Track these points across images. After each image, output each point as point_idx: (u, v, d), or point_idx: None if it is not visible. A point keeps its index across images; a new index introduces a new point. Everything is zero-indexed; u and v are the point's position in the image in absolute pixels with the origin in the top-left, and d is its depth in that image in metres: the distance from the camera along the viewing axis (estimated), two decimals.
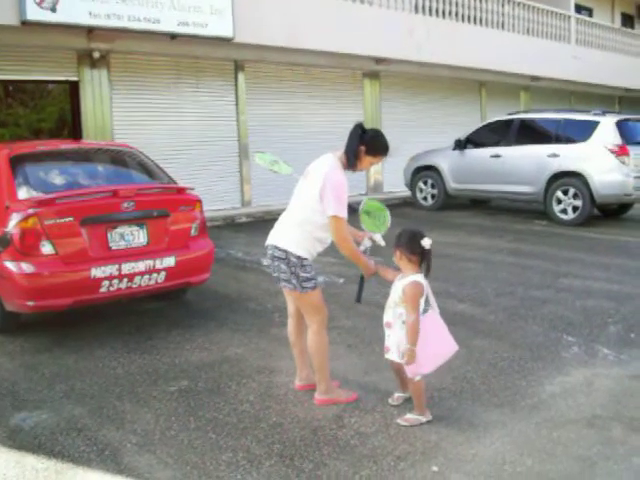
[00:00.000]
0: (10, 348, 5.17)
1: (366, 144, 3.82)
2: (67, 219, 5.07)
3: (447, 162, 12.40)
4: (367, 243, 4.05)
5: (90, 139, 11.15)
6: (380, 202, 4.29)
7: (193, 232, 5.75)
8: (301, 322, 4.14)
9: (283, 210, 12.62)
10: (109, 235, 5.24)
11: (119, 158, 6.34)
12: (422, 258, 3.70)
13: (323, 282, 3.90)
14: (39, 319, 5.74)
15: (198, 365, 4.71)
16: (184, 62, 12.25)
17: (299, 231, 3.82)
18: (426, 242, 3.67)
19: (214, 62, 12.65)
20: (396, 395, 3.97)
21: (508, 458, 3.31)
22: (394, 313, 3.72)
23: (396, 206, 13.77)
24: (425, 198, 12.99)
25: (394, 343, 3.74)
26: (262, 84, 13.42)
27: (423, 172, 12.91)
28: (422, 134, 15.56)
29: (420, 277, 3.69)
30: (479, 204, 13.33)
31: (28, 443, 3.58)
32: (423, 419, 3.69)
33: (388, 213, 4.23)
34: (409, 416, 3.72)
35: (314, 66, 13.83)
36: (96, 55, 11.01)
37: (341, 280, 7.26)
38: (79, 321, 5.72)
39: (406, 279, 3.68)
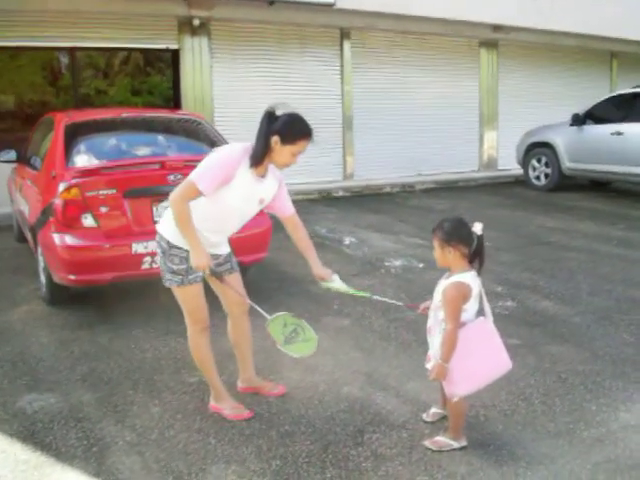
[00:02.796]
0: (53, 321, 5.04)
1: (278, 132, 3.11)
2: (110, 191, 4.83)
3: (563, 139, 11.27)
4: (336, 279, 3.42)
5: (189, 107, 11.08)
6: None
7: None
8: (236, 318, 3.64)
9: (385, 185, 12.09)
10: (154, 209, 4.95)
11: (179, 127, 6.04)
12: (473, 250, 3.04)
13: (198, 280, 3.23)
14: (91, 292, 5.59)
15: (231, 355, 4.31)
16: (286, 29, 11.88)
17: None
18: (477, 227, 3.03)
19: (318, 29, 12.19)
20: (432, 411, 3.39)
21: None
22: (435, 317, 3.12)
23: (506, 185, 12.85)
24: (538, 177, 11.92)
25: (432, 351, 3.15)
26: (369, 53, 12.82)
27: (537, 149, 11.83)
28: (542, 108, 14.30)
29: (468, 277, 3.03)
30: (599, 186, 12.07)
31: (23, 429, 3.36)
32: (456, 444, 3.09)
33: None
34: (440, 439, 3.13)
35: (426, 34, 13.03)
36: (196, 22, 10.86)
37: (421, 265, 6.67)
38: (129, 297, 5.52)
39: (450, 278, 3.06)
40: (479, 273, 3.12)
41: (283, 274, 6.31)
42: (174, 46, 11.08)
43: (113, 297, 5.51)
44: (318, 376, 3.98)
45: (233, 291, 3.48)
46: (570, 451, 3.09)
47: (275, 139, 3.11)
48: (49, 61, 10.82)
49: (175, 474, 2.93)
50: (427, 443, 3.13)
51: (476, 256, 3.06)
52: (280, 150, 3.14)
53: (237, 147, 3.24)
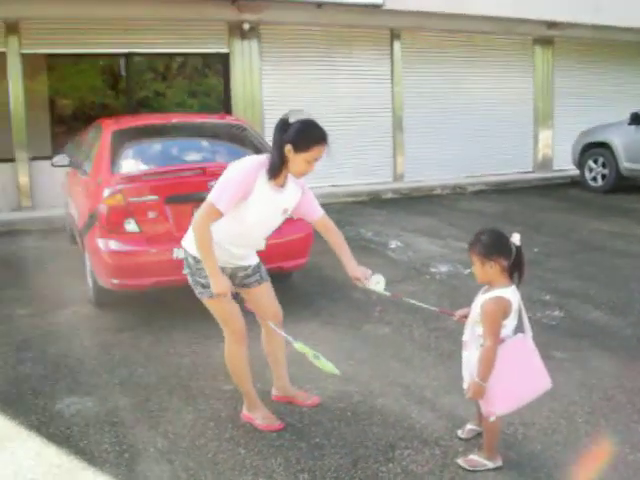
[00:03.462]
0: (98, 324, 5.14)
1: (291, 140, 3.04)
2: (152, 197, 4.90)
3: (621, 138, 10.90)
4: (380, 279, 3.36)
5: (239, 110, 11.18)
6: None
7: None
8: (269, 328, 3.57)
9: (435, 186, 11.94)
10: (195, 215, 4.98)
11: (223, 133, 6.08)
12: (512, 262, 2.94)
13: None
14: (135, 296, 5.66)
15: (264, 364, 4.31)
16: (335, 31, 11.86)
17: None
18: (515, 238, 2.92)
19: (367, 30, 12.14)
20: (468, 427, 3.30)
21: None
22: (472, 332, 3.02)
23: (562, 186, 12.52)
24: (594, 178, 11.57)
25: (468, 368, 3.05)
26: (420, 53, 12.70)
27: (594, 149, 11.48)
28: (599, 107, 13.84)
29: (508, 291, 2.92)
30: None
31: (59, 433, 3.42)
32: (490, 464, 2.99)
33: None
34: (473, 457, 3.04)
35: (477, 33, 12.83)
36: (246, 26, 10.97)
37: (467, 271, 6.53)
38: (171, 301, 5.57)
39: (489, 293, 2.96)
40: (518, 286, 3.01)
41: (326, 279, 6.28)
42: (224, 50, 11.21)
43: (156, 301, 5.57)
44: (353, 386, 3.94)
45: (265, 303, 3.46)
46: (613, 476, 2.95)
47: (289, 148, 3.06)
48: (108, 65, 11.05)
49: None
50: (460, 461, 3.05)
51: (515, 268, 2.96)
52: (294, 158, 3.09)
53: (252, 161, 3.21)
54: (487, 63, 13.21)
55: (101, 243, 4.92)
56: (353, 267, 3.37)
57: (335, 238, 3.47)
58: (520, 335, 2.98)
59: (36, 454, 3.23)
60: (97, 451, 3.24)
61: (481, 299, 2.94)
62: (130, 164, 5.23)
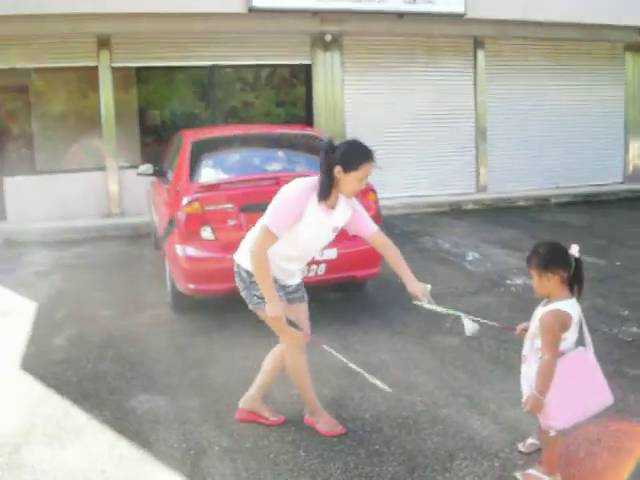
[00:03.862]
0: (175, 327, 5.35)
1: (340, 161, 3.12)
2: (227, 205, 5.07)
3: None
4: (424, 299, 3.34)
5: (321, 120, 11.35)
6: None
7: None
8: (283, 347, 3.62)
9: (518, 198, 11.75)
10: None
11: (298, 144, 6.21)
12: (572, 275, 2.90)
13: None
14: (211, 301, 5.86)
15: (334, 368, 4.37)
16: (417, 40, 11.88)
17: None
18: (574, 249, 2.88)
19: (450, 39, 12.09)
20: (529, 441, 3.25)
21: None
22: (531, 345, 2.99)
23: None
24: None
25: (527, 381, 3.02)
26: (504, 61, 12.54)
27: None
28: None
29: (568, 304, 2.88)
30: None
31: (131, 428, 3.61)
32: None
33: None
34: (532, 472, 3.00)
35: (563, 40, 12.52)
36: (328, 38, 11.14)
37: None
38: (245, 307, 5.73)
39: (548, 306, 2.92)
40: (578, 298, 2.96)
41: (400, 288, 6.21)
42: (307, 61, 11.42)
43: (231, 306, 5.73)
44: (417, 395, 3.95)
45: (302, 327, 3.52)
46: None
47: (338, 169, 3.15)
48: (198, 77, 11.46)
49: None
50: (518, 475, 3.02)
51: (575, 280, 2.91)
52: (345, 179, 3.17)
53: (303, 185, 3.30)
54: (575, 71, 12.87)
55: (179, 249, 5.12)
56: (412, 283, 3.40)
57: (392, 253, 3.50)
58: (581, 349, 2.93)
59: (108, 447, 3.42)
60: (165, 447, 3.40)
61: (540, 312, 2.91)
62: (207, 173, 5.43)
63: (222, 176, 5.41)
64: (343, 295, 6.18)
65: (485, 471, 3.09)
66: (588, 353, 2.94)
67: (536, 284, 2.93)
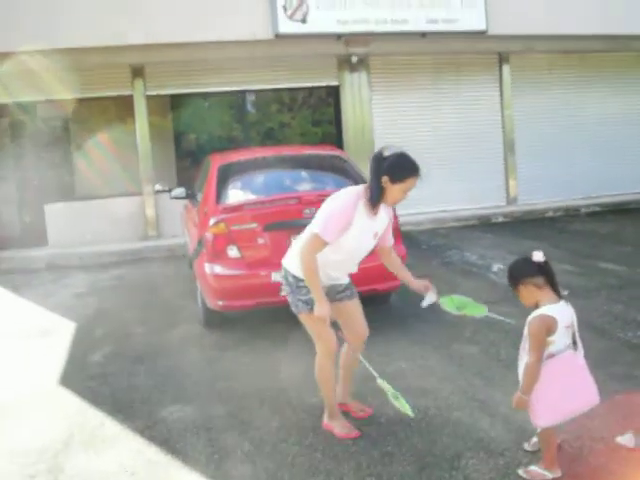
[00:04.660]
0: (205, 341, 5.62)
1: (387, 173, 3.33)
2: (252, 225, 5.33)
3: None
4: (432, 297, 3.58)
5: (349, 139, 11.60)
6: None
7: None
8: (353, 347, 3.84)
9: (548, 209, 11.80)
10: (292, 241, 5.35)
11: (320, 164, 6.45)
12: (547, 278, 3.07)
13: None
14: (240, 317, 6.12)
15: (355, 377, 4.56)
16: (443, 58, 12.07)
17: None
18: (538, 255, 3.06)
19: (475, 56, 12.25)
20: (533, 440, 3.40)
21: None
22: (523, 347, 3.18)
23: None
24: None
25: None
26: (529, 76, 12.64)
27: None
28: None
29: (554, 309, 3.05)
30: None
31: (160, 435, 3.86)
32: (549, 475, 3.09)
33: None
34: (533, 468, 3.15)
35: (588, 51, 12.53)
36: (354, 59, 11.40)
37: (565, 292, 6.48)
38: (272, 322, 5.97)
39: (535, 311, 3.10)
40: (560, 296, 3.12)
41: (422, 300, 6.44)
42: (334, 83, 11.71)
43: (259, 322, 5.99)
44: (432, 400, 4.12)
45: (354, 317, 3.81)
46: None
47: (385, 179, 3.36)
48: (233, 101, 11.83)
49: None
50: (521, 472, 3.17)
51: (552, 281, 3.08)
52: (391, 189, 3.39)
53: (351, 193, 3.53)
54: (601, 81, 12.88)
55: (207, 267, 5.40)
56: (412, 281, 3.69)
57: (393, 260, 3.83)
58: (570, 351, 3.07)
59: (138, 452, 3.67)
60: (191, 452, 3.64)
61: (529, 317, 3.08)
62: (233, 195, 5.71)
63: (247, 197, 5.67)
64: (368, 308, 6.35)
65: (490, 469, 3.25)
66: (577, 355, 3.09)
67: (521, 299, 3.13)
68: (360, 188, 3.53)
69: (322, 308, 3.44)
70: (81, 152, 11.12)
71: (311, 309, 3.54)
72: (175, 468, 3.48)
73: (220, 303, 5.39)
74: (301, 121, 12.26)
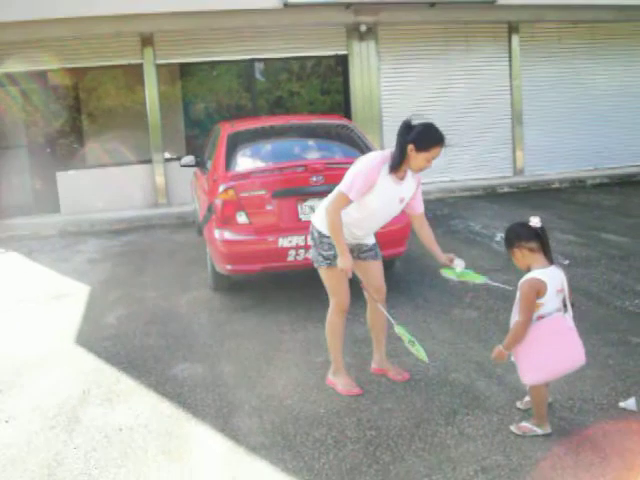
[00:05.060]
0: (214, 305, 5.81)
1: (413, 141, 3.48)
2: (260, 192, 5.48)
3: None
4: (460, 263, 3.73)
5: (357, 109, 11.66)
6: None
7: None
8: (373, 304, 4.01)
9: (554, 180, 11.89)
10: (299, 207, 5.51)
11: (328, 133, 6.57)
12: (541, 243, 3.23)
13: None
14: (248, 281, 6.31)
15: (358, 339, 4.76)
16: (452, 28, 12.06)
17: (324, 212, 3.75)
18: (533, 221, 3.21)
19: (485, 26, 12.24)
20: (526, 399, 3.57)
21: None
22: (515, 309, 3.34)
23: None
24: None
25: None
26: (538, 46, 12.61)
27: None
28: None
29: (544, 273, 3.20)
30: None
31: (172, 391, 4.06)
32: (539, 431, 3.27)
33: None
34: (524, 424, 3.33)
35: (598, 22, 12.48)
36: (363, 28, 11.41)
37: (566, 262, 6.64)
38: (280, 286, 6.16)
39: (526, 275, 3.26)
40: (551, 261, 3.26)
41: (426, 267, 6.60)
42: (343, 52, 11.74)
43: (267, 286, 6.18)
44: (431, 362, 4.26)
45: (373, 275, 3.99)
46: None
47: (411, 147, 3.52)
48: (243, 69, 11.87)
49: (283, 435, 3.45)
50: (513, 427, 3.35)
51: (545, 247, 3.22)
52: (415, 157, 3.54)
53: (376, 156, 3.70)
54: (611, 52, 12.84)
55: (217, 233, 5.56)
56: (441, 255, 3.82)
57: (428, 233, 3.94)
58: (559, 313, 3.23)
59: (152, 406, 3.88)
60: (201, 406, 3.84)
61: (520, 281, 3.24)
62: (242, 162, 5.85)
63: (255, 165, 5.81)
64: None
65: (484, 425, 3.43)
66: (566, 318, 3.24)
67: (515, 262, 3.30)
68: (386, 152, 3.69)
69: (345, 261, 3.62)
70: (92, 121, 11.25)
71: (330, 264, 3.76)
72: (186, 421, 3.68)
73: (229, 267, 5.56)
74: (310, 90, 12.29)
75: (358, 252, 3.94)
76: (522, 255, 3.24)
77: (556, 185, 11.84)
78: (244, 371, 4.33)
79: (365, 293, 4.04)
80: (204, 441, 3.46)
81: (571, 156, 12.72)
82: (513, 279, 6.09)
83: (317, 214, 3.90)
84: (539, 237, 3.22)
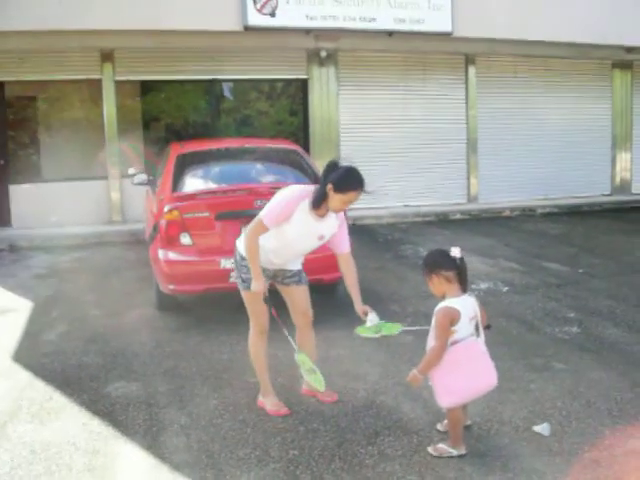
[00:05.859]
0: (157, 324, 5.86)
1: (333, 181, 3.61)
2: (204, 214, 5.57)
3: None
4: (373, 318, 3.89)
5: (316, 132, 11.85)
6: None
7: None
8: (301, 328, 4.22)
9: (505, 208, 12.15)
10: (242, 230, 5.59)
11: (274, 157, 6.70)
12: (458, 273, 3.39)
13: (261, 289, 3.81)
14: (192, 301, 6.37)
15: (293, 362, 4.80)
16: (411, 57, 12.38)
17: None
18: (455, 251, 3.37)
19: (442, 56, 12.58)
20: (445, 421, 3.71)
21: None
22: (430, 336, 3.49)
23: (637, 209, 12.38)
24: None
25: None
26: (494, 77, 13.04)
27: None
28: None
29: (457, 301, 3.36)
30: None
31: (104, 409, 4.10)
32: (454, 452, 3.41)
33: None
34: (441, 446, 3.47)
35: (552, 57, 12.97)
36: (323, 54, 11.65)
37: (506, 289, 6.85)
38: (224, 307, 6.22)
39: (440, 303, 3.41)
40: (465, 291, 3.41)
41: (368, 292, 6.64)
42: (303, 76, 11.94)
43: (211, 307, 6.25)
44: (362, 384, 4.42)
45: (298, 300, 4.15)
46: (563, 469, 3.27)
47: (330, 187, 3.65)
48: (201, 90, 12.00)
49: (208, 453, 3.52)
50: (430, 449, 3.48)
51: (461, 278, 3.38)
52: (333, 197, 3.67)
53: (296, 190, 3.85)
54: (563, 87, 13.31)
55: (161, 253, 5.63)
56: (357, 302, 3.98)
57: (351, 276, 4.05)
58: (472, 338, 3.39)
59: (82, 424, 3.91)
60: (131, 424, 3.89)
61: (436, 308, 3.39)
62: (189, 184, 5.94)
63: (201, 187, 5.91)
64: (313, 298, 6.62)
65: (403, 445, 3.55)
66: (479, 342, 3.41)
67: (431, 287, 3.44)
68: (310, 188, 3.83)
69: (257, 283, 3.77)
70: (49, 134, 11.23)
71: (247, 287, 3.88)
72: (115, 439, 3.73)
73: (171, 287, 5.63)
74: (278, 110, 12.54)
75: (282, 277, 4.08)
76: (439, 283, 3.39)
77: (507, 213, 12.16)
78: (177, 390, 4.39)
79: (277, 319, 4.10)
80: (130, 458, 3.52)
81: (523, 185, 13.09)
82: None
83: (241, 239, 4.01)
84: (457, 267, 3.38)
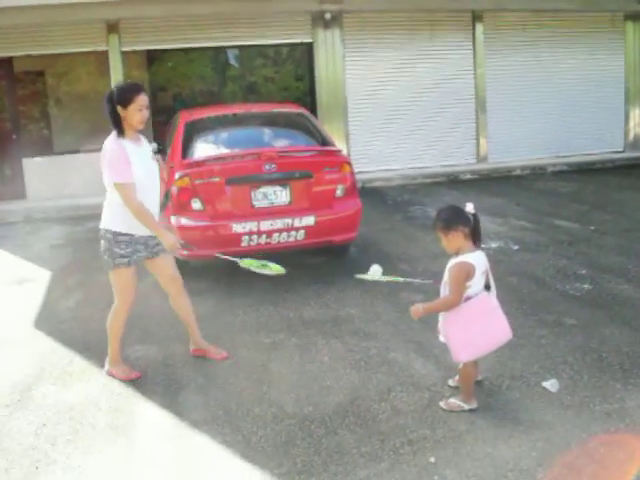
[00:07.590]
0: None
1: (116, 102, 3.79)
2: (214, 179, 5.62)
3: None
4: (377, 270, 3.99)
5: (322, 96, 11.80)
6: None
7: (338, 193, 5.90)
8: (174, 296, 4.30)
9: (515, 167, 12.16)
10: (252, 194, 5.68)
11: (283, 120, 6.73)
12: (472, 229, 3.42)
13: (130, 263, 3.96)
14: (206, 266, 6.46)
15: (306, 321, 4.96)
16: (416, 16, 12.21)
17: (109, 210, 3.98)
18: (469, 207, 3.41)
19: (449, 14, 12.40)
20: (457, 377, 3.79)
21: (521, 465, 2.99)
22: (444, 292, 3.54)
23: None
24: None
25: (442, 318, 3.57)
26: (502, 34, 12.82)
27: None
28: None
29: (472, 256, 3.41)
30: None
31: None
32: (466, 406, 3.49)
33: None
34: (452, 400, 3.55)
35: (562, 11, 12.71)
36: (328, 17, 11.51)
37: (516, 247, 6.89)
38: (238, 271, 6.28)
39: (456, 258, 3.45)
40: (478, 245, 3.46)
41: (380, 252, 6.82)
42: (308, 40, 11.83)
43: (223, 271, 6.33)
44: (373, 342, 4.50)
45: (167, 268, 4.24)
46: (574, 421, 3.34)
47: (119, 108, 3.80)
48: (208, 57, 11.95)
49: (225, 410, 3.64)
50: (441, 404, 3.57)
51: (476, 234, 3.42)
52: (129, 113, 3.82)
53: (110, 139, 3.91)
54: (574, 41, 13.08)
55: (173, 219, 5.70)
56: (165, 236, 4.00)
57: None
58: (484, 293, 3.44)
59: (103, 385, 4.05)
60: (151, 384, 4.02)
61: (450, 263, 3.43)
62: (198, 150, 5.98)
63: (211, 153, 5.95)
64: (327, 258, 6.73)
65: (416, 401, 3.65)
66: (491, 297, 3.46)
67: (445, 244, 3.47)
68: (112, 134, 3.90)
69: (168, 236, 3.91)
70: (59, 107, 11.26)
71: (127, 263, 3.94)
72: (135, 398, 3.86)
73: (185, 253, 5.69)
74: (284, 76, 12.45)
75: (153, 245, 4.07)
76: (456, 239, 3.41)
77: (517, 172, 12.12)
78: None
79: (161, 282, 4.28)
80: (150, 417, 3.64)
81: (533, 143, 12.99)
82: None
83: (103, 218, 4.02)
84: (472, 223, 3.41)
